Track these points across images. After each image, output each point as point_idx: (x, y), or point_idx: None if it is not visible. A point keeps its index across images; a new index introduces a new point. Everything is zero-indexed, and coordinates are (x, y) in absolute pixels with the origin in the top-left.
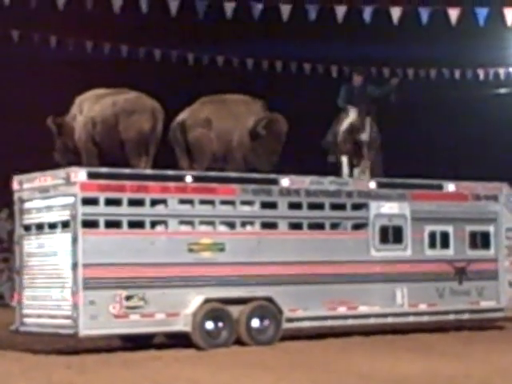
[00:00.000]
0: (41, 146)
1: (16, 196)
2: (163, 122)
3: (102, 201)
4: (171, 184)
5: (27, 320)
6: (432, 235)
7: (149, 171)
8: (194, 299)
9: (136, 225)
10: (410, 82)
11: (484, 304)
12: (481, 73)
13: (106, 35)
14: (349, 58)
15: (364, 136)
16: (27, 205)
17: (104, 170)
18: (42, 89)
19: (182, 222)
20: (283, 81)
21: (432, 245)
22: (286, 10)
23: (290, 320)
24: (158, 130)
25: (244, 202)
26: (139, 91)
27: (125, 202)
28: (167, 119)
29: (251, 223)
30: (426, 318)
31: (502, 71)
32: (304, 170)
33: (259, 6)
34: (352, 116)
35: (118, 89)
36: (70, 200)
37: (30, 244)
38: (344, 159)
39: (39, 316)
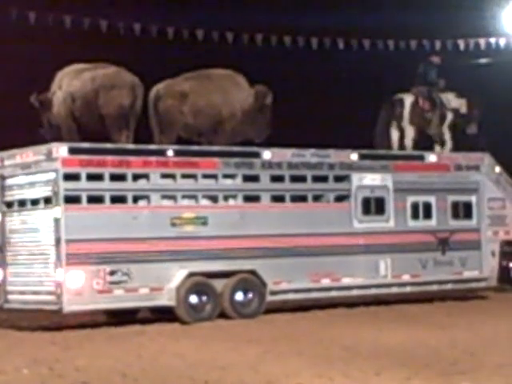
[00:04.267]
0: (22, 122)
1: None
2: (142, 97)
3: (83, 176)
4: (153, 158)
5: (11, 297)
6: (414, 206)
7: (130, 146)
8: (178, 273)
9: (118, 200)
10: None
11: (467, 274)
12: (461, 43)
13: (84, 10)
14: (330, 30)
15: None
16: (9, 181)
17: (85, 145)
18: (22, 64)
19: (164, 197)
20: (263, 53)
21: (414, 216)
22: None
23: (274, 293)
24: (138, 105)
25: (226, 176)
26: (119, 66)
27: (107, 177)
28: (146, 94)
29: (234, 197)
30: (409, 289)
31: (482, 41)
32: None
33: None
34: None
35: (97, 63)
36: (52, 176)
37: (13, 220)
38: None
39: (23, 293)
